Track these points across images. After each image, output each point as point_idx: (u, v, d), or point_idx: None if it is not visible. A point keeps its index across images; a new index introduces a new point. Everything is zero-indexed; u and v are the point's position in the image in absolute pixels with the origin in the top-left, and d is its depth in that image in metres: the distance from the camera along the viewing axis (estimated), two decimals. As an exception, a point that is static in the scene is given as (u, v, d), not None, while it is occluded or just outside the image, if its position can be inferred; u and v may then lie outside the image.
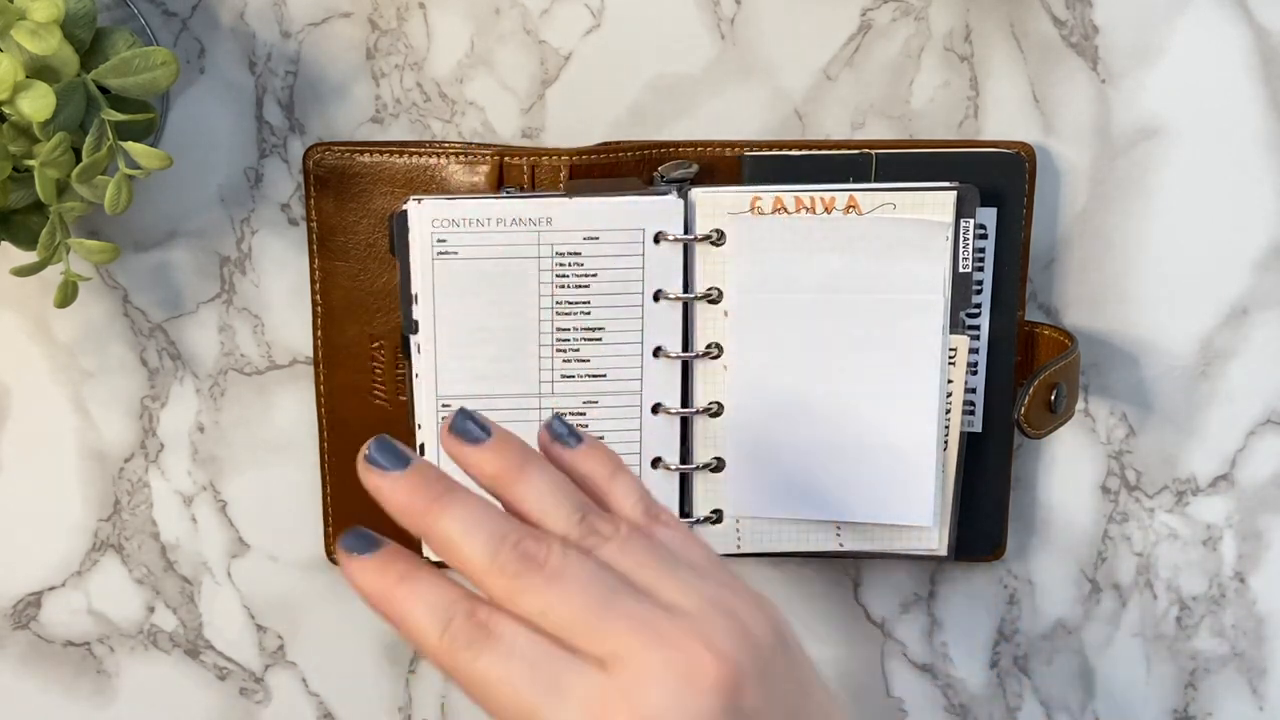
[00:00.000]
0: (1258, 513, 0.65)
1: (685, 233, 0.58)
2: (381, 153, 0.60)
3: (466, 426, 0.46)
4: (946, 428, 0.60)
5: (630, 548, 0.44)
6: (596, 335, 0.59)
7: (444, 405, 0.59)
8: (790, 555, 0.62)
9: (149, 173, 0.53)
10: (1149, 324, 0.63)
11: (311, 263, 0.61)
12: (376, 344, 0.62)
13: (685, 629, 0.41)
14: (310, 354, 0.63)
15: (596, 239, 0.58)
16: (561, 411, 0.59)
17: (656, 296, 0.58)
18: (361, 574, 0.43)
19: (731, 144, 0.60)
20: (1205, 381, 0.64)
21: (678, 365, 0.60)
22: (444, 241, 0.57)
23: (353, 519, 0.64)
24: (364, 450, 0.44)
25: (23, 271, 0.55)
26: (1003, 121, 0.61)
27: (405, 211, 0.57)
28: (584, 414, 0.60)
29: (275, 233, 0.62)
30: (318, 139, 0.61)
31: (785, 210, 0.58)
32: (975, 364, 0.61)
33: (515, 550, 0.42)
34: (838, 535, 0.61)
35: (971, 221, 0.58)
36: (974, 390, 0.61)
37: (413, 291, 0.58)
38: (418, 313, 0.58)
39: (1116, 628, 0.66)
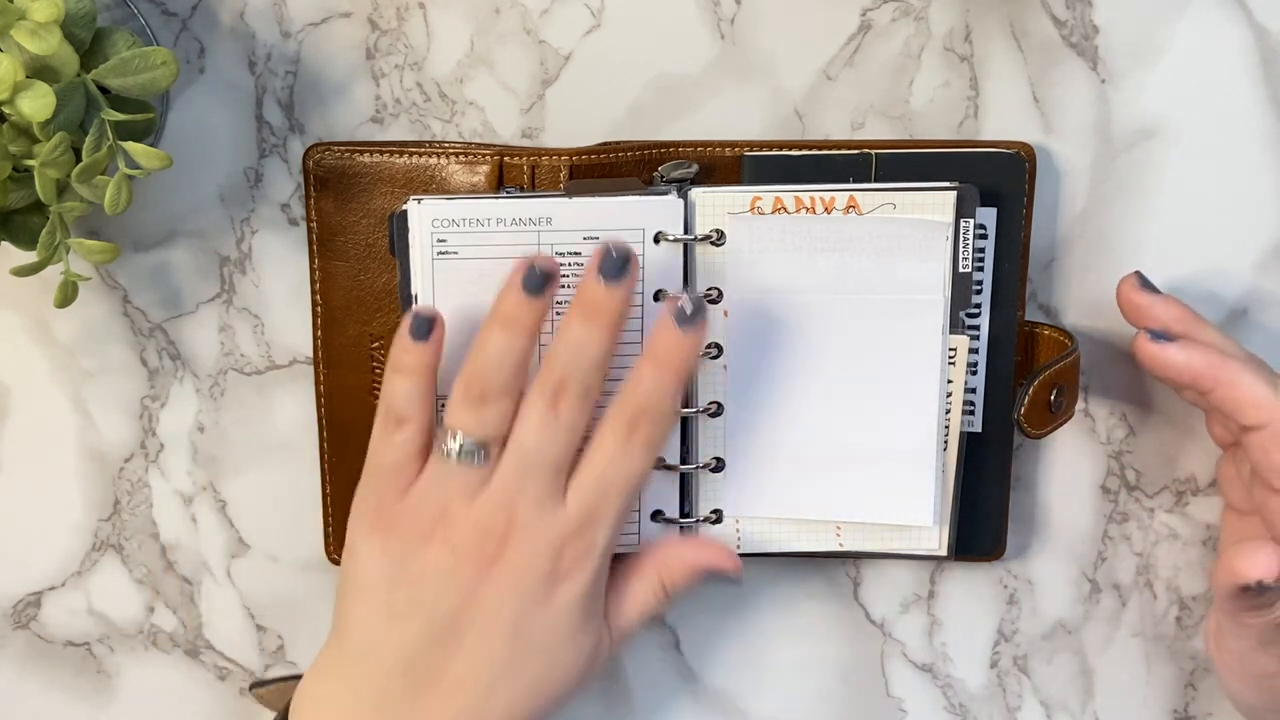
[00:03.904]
0: (1258, 513, 0.65)
1: (685, 233, 0.58)
2: (381, 153, 0.60)
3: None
4: (946, 428, 0.60)
5: None
6: (596, 335, 0.59)
7: (444, 405, 0.59)
8: (790, 555, 0.62)
9: (149, 173, 0.53)
10: (1149, 324, 0.63)
11: (311, 263, 0.61)
12: (376, 344, 0.62)
13: None
14: (310, 354, 0.63)
15: (596, 239, 0.58)
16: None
17: (656, 296, 0.58)
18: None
19: (731, 144, 0.60)
20: (1205, 381, 0.64)
21: (678, 365, 0.59)
22: (444, 241, 0.57)
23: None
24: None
25: (23, 271, 0.54)
26: (1003, 121, 0.61)
27: (405, 211, 0.57)
28: (584, 414, 0.59)
29: (275, 233, 0.62)
30: (318, 139, 0.61)
31: (785, 210, 0.58)
32: (975, 364, 0.61)
33: None
34: (838, 535, 0.61)
35: (971, 221, 0.58)
36: (974, 390, 0.61)
37: (413, 291, 0.58)
38: (418, 313, 0.58)
39: (1116, 628, 0.66)
